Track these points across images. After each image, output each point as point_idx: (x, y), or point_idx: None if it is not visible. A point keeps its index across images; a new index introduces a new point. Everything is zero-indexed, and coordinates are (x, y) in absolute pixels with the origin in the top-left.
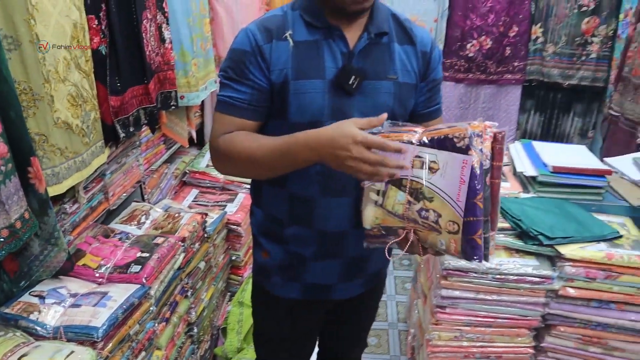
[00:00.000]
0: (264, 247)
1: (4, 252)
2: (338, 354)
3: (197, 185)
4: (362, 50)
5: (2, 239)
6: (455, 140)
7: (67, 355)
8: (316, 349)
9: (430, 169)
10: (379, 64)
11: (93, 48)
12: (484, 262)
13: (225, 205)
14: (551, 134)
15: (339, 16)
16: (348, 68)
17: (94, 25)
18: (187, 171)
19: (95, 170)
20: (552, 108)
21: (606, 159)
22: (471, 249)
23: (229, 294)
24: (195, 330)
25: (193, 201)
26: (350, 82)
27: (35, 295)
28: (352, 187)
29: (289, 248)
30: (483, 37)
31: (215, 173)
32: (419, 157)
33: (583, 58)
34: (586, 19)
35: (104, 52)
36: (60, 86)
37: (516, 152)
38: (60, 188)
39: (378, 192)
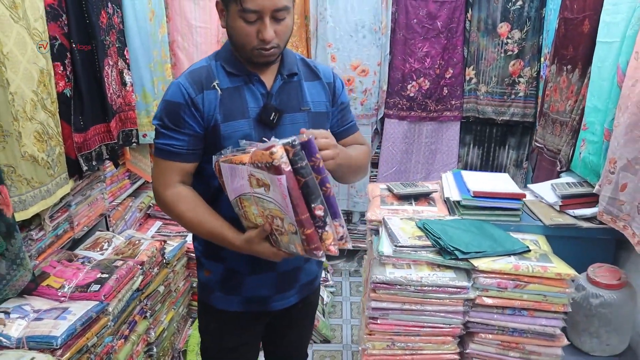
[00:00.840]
0: (205, 267)
1: None
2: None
3: (161, 218)
4: (278, 89)
5: None
6: (268, 163)
7: None
8: None
9: (264, 185)
10: (293, 100)
11: (58, 91)
12: (323, 257)
13: (187, 236)
14: (490, 165)
15: (254, 65)
16: (269, 106)
17: (60, 71)
18: (151, 204)
19: (61, 200)
20: (489, 142)
21: (530, 185)
22: (309, 247)
23: (190, 319)
24: (155, 350)
25: (156, 232)
26: (271, 117)
27: (1, 312)
28: None
29: (226, 265)
30: (422, 79)
31: None
32: (253, 175)
33: (512, 96)
34: (512, 62)
35: (68, 95)
36: (27, 124)
37: (446, 181)
38: (26, 214)
39: (240, 211)
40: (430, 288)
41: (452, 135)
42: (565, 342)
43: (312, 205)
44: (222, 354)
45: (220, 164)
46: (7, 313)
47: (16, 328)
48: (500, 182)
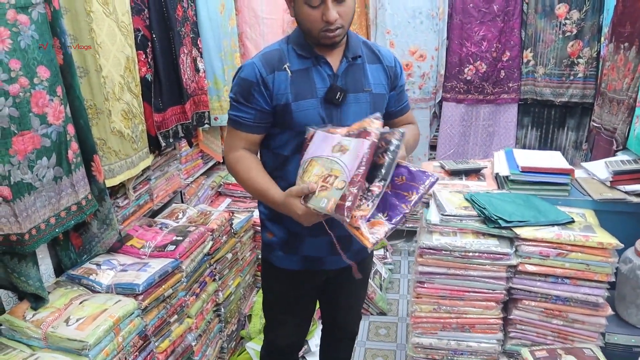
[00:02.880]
0: (269, 229)
1: (72, 221)
2: (337, 323)
3: (231, 195)
4: (343, 71)
5: (72, 212)
6: (362, 128)
7: (116, 302)
8: (320, 326)
9: (342, 150)
10: (356, 81)
11: (141, 76)
12: (345, 220)
13: (253, 211)
14: (548, 147)
15: (322, 48)
16: (335, 87)
17: (142, 59)
18: (222, 183)
19: (143, 173)
20: (547, 123)
21: (583, 163)
22: (343, 203)
23: (256, 288)
24: (223, 310)
25: (226, 208)
26: (337, 97)
27: (94, 263)
28: None
29: (288, 228)
30: (478, 62)
31: None
32: (339, 143)
33: (571, 78)
34: (570, 43)
35: (149, 79)
36: (116, 103)
37: (498, 158)
38: (114, 181)
39: (301, 171)
40: (474, 254)
41: (509, 117)
42: (610, 312)
43: (374, 181)
44: (282, 308)
45: (316, 131)
46: (98, 265)
47: (106, 277)
48: (550, 159)
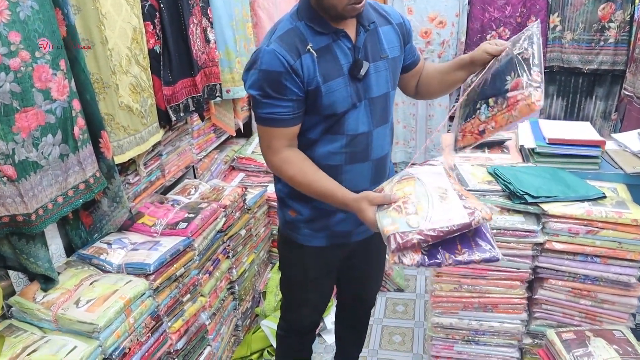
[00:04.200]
0: (291, 207)
1: (81, 200)
2: (357, 295)
3: (244, 170)
4: (363, 42)
5: (80, 190)
6: (471, 204)
7: (127, 282)
8: (335, 303)
9: (441, 197)
10: (374, 49)
11: (149, 48)
12: (388, 253)
13: (267, 186)
14: (575, 117)
15: (338, 19)
16: (358, 61)
17: (150, 30)
18: (235, 157)
19: (153, 149)
20: (574, 92)
21: (614, 134)
22: (391, 239)
23: (271, 264)
24: (237, 288)
25: (239, 182)
26: (362, 71)
27: (104, 242)
28: (374, 154)
29: (314, 204)
30: (502, 28)
31: (260, 159)
32: (446, 191)
33: (601, 43)
34: (602, 6)
35: (158, 51)
36: (123, 77)
37: (522, 130)
38: (123, 157)
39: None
40: (498, 231)
41: None
42: None
43: (533, 68)
44: (304, 287)
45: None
46: (109, 244)
47: (116, 257)
48: (579, 130)
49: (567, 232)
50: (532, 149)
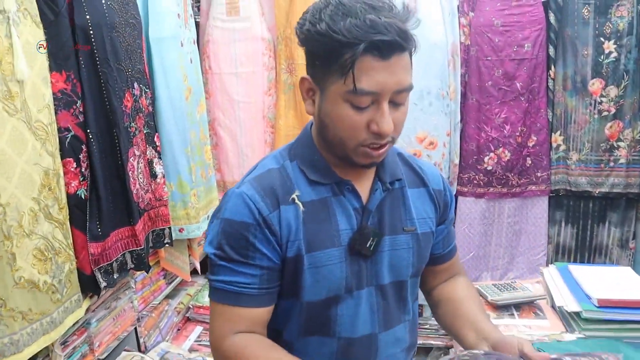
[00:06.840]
0: None
1: None
2: None
3: (202, 322)
4: (378, 204)
5: None
6: None
7: None
8: None
9: None
10: (394, 216)
11: (70, 193)
12: None
13: None
14: (588, 247)
15: (347, 167)
16: (366, 230)
17: (72, 169)
18: (191, 305)
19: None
20: (584, 218)
21: None
22: None
23: None
24: None
25: (196, 341)
26: (368, 244)
27: None
28: None
29: None
30: (501, 149)
31: None
32: None
33: (611, 164)
34: (609, 124)
35: (83, 196)
36: (24, 241)
37: (552, 280)
38: (21, 357)
39: None
40: None
41: (539, 212)
42: None
43: None
44: None
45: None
46: None
47: None
48: (625, 282)
49: None
50: (577, 313)
